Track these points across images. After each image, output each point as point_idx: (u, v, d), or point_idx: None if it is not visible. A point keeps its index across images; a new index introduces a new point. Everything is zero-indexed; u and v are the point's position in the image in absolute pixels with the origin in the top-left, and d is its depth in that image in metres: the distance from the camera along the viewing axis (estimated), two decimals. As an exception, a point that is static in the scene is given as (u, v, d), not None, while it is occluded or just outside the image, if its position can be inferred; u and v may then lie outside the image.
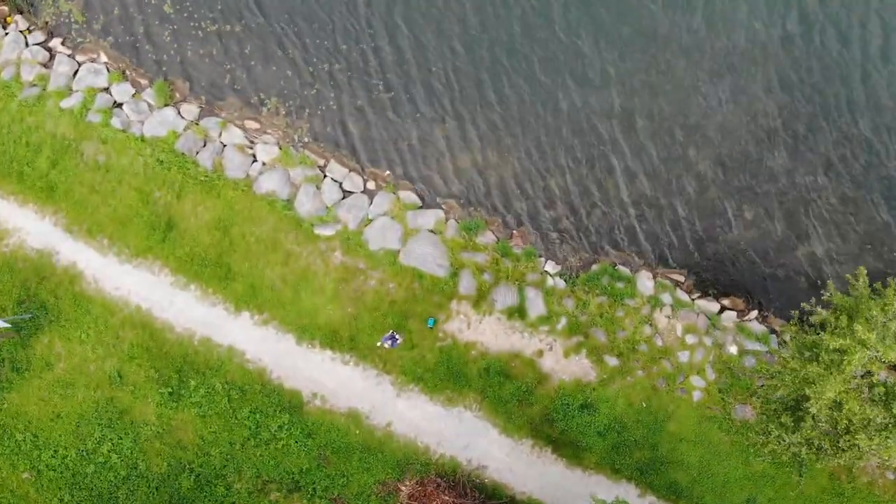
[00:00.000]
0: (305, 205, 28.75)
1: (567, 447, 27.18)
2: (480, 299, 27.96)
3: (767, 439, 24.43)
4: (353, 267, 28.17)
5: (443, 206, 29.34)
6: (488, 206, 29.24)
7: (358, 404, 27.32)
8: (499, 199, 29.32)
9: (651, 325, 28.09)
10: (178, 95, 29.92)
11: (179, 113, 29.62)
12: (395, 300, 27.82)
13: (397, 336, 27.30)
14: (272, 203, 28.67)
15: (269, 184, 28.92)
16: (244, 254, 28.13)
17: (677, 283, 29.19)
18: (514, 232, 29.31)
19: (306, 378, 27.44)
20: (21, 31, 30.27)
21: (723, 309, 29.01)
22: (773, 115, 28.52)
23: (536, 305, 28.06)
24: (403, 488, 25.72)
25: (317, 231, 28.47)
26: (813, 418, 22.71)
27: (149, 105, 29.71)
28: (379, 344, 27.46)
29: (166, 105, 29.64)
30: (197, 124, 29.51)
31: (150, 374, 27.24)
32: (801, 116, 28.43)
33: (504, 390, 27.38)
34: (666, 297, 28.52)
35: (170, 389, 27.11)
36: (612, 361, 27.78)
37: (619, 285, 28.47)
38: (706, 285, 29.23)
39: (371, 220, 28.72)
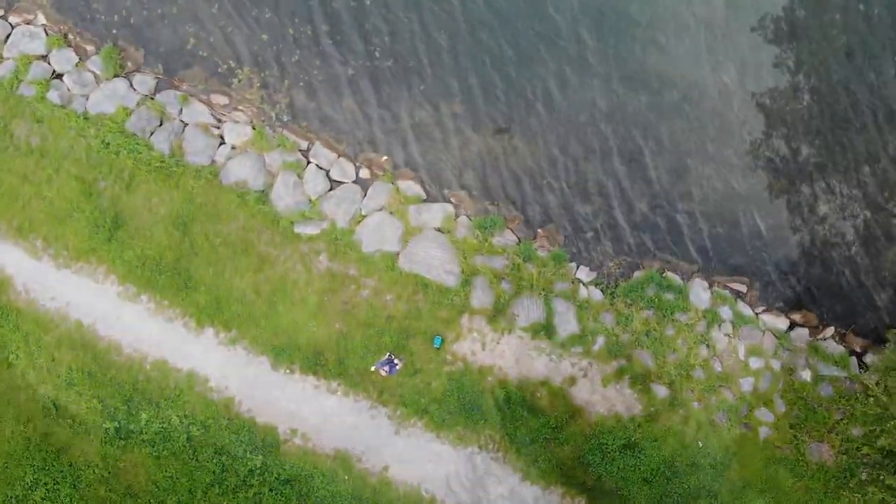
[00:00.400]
0: (284, 197, 27.48)
1: (606, 497, 26.15)
2: (498, 314, 26.81)
3: (864, 498, 23.66)
4: (342, 274, 26.90)
5: (452, 200, 28.15)
6: (507, 200, 28.15)
7: (347, 444, 26.17)
8: (520, 191, 28.19)
9: (708, 345, 27.03)
10: (129, 64, 28.60)
11: (131, 85, 28.30)
12: (394, 315, 26.68)
13: (396, 360, 26.16)
14: (243, 195, 27.40)
15: (240, 171, 27.65)
16: (208, 258, 26.95)
17: (738, 294, 27.99)
18: (539, 231, 28.14)
19: (283, 411, 26.31)
20: (-57, -11, 29.55)
21: (793, 325, 28.04)
22: (847, 102, 27.68)
23: (567, 321, 26.87)
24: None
25: (298, 230, 27.22)
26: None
27: (94, 76, 28.36)
28: (373, 369, 26.23)
29: (116, 76, 28.35)
30: (152, 99, 28.35)
31: (93, 404, 26.04)
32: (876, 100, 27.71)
33: (528, 426, 26.36)
34: (725, 312, 27.50)
35: (116, 424, 25.93)
36: (660, 391, 26.68)
37: (669, 297, 27.35)
38: (773, 297, 28.16)
39: (364, 217, 27.60)
